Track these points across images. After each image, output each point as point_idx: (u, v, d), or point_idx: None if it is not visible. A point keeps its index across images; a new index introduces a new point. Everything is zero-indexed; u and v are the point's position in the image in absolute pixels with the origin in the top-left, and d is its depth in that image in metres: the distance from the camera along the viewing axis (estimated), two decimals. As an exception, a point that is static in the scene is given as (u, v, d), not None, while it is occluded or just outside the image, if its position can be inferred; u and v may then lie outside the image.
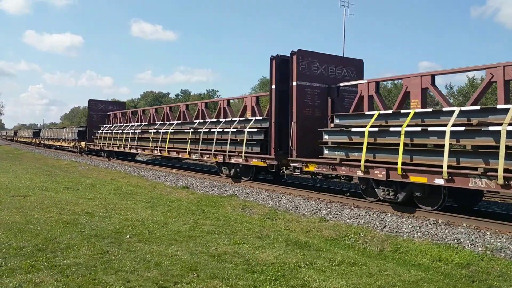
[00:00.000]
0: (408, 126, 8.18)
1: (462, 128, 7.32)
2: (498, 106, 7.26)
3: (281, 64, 11.59)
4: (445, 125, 7.52)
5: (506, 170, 6.58)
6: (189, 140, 15.65)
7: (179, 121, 17.97)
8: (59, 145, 37.66)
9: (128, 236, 6.52)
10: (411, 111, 8.37)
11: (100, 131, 25.96)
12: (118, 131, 22.98)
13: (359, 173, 9.06)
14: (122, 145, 22.07)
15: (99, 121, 27.87)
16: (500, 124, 6.75)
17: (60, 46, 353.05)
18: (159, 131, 18.16)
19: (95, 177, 16.73)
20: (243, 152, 12.68)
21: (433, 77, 9.04)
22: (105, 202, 9.78)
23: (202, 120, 16.19)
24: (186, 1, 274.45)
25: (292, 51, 11.12)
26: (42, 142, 44.09)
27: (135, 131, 20.78)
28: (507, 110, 6.91)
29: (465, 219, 7.74)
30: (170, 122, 18.53)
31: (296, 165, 10.90)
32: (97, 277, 4.65)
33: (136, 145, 20.53)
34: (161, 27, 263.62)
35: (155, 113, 22.51)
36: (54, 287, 4.34)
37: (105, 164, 22.57)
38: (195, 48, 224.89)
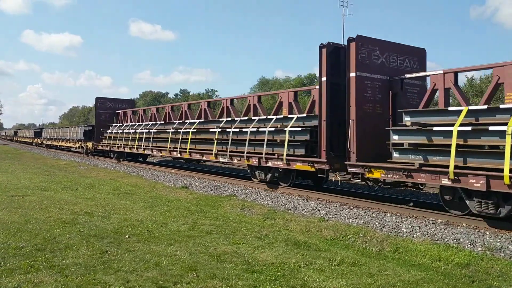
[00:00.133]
0: None
1: None
2: None
3: (331, 54, 10.09)
4: None
5: None
6: (216, 141, 14.08)
7: (202, 120, 16.31)
8: (63, 146, 35.94)
9: (127, 236, 6.51)
10: None
11: (110, 130, 24.07)
12: (130, 131, 21.24)
13: (446, 181, 7.47)
14: (135, 146, 20.31)
15: (107, 120, 25.98)
16: None
17: (59, 46, 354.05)
18: (179, 130, 16.50)
19: (94, 176, 16.71)
20: (284, 155, 11.16)
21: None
22: (104, 202, 9.77)
23: (229, 119, 14.56)
24: (185, 1, 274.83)
25: (350, 37, 9.60)
26: (44, 142, 43.39)
27: (150, 130, 19.10)
28: None
29: (465, 219, 7.74)
30: (191, 121, 16.83)
31: (357, 170, 9.25)
32: (96, 277, 4.64)
33: (151, 146, 18.86)
34: (160, 27, 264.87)
35: (171, 111, 20.29)
36: (53, 287, 4.33)
37: (104, 164, 22.42)
38: (194, 48, 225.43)
